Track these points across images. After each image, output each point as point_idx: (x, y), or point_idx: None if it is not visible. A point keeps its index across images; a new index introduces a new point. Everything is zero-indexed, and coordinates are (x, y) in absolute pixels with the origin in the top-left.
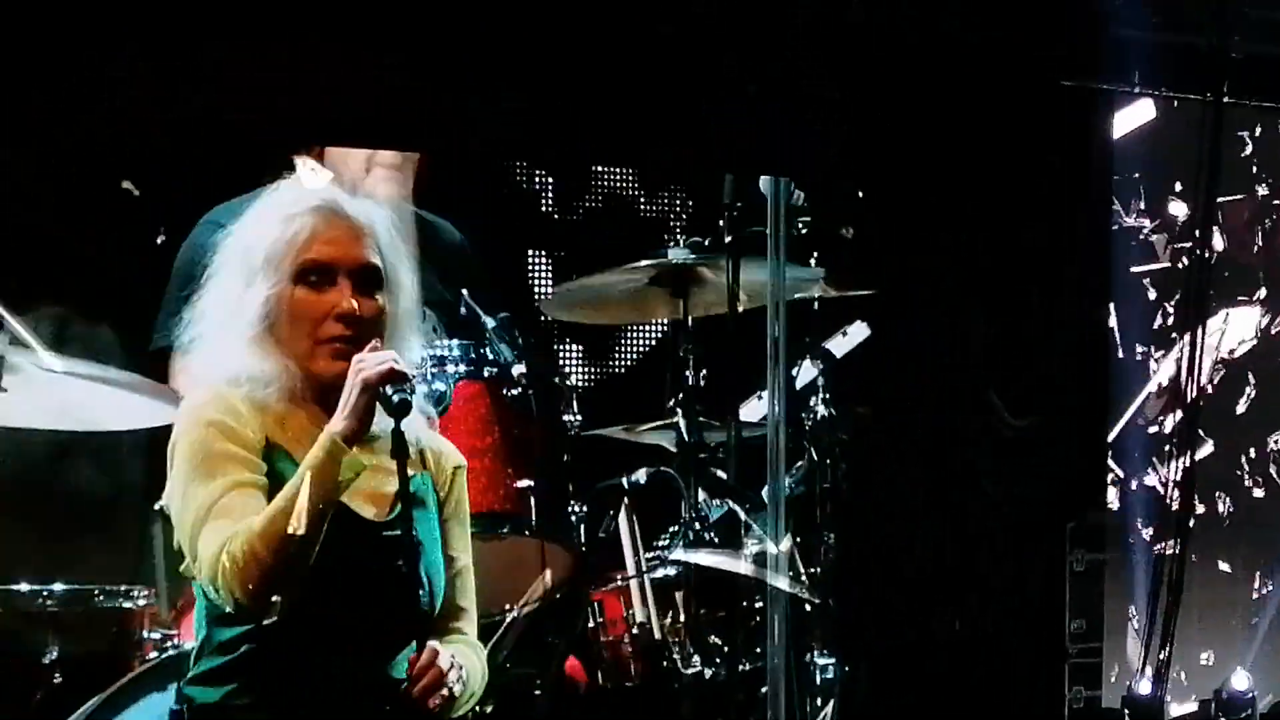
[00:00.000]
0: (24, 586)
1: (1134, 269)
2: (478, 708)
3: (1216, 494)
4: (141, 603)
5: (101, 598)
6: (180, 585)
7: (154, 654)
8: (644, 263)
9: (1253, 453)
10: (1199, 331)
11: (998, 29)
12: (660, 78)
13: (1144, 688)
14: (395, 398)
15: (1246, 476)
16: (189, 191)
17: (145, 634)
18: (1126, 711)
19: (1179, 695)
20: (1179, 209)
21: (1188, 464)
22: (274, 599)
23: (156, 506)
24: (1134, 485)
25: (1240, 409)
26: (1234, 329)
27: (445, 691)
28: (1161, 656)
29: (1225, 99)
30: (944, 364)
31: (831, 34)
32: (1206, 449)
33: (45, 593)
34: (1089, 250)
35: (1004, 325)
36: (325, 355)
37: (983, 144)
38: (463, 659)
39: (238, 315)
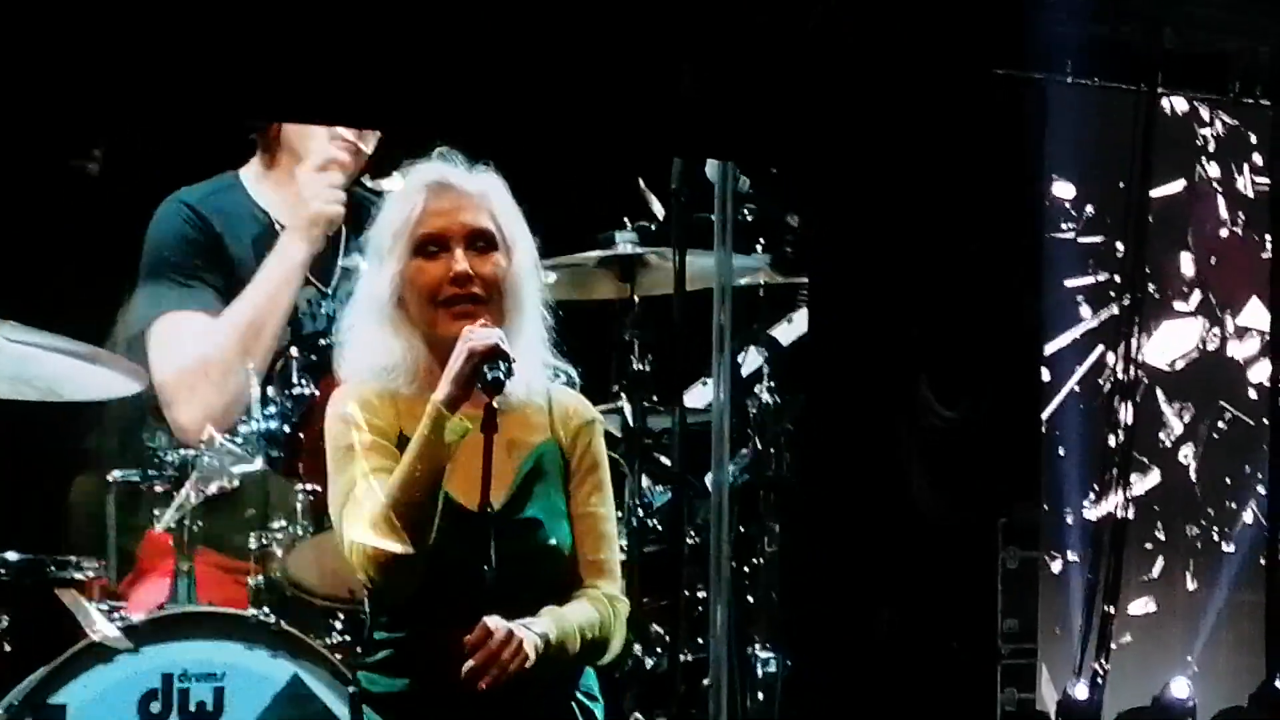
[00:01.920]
0: None
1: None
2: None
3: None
4: (92, 574)
5: (53, 568)
6: (129, 558)
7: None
8: (592, 254)
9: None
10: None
11: (932, 18)
12: (609, 62)
13: (1080, 692)
14: (490, 375)
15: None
16: (152, 168)
17: (95, 605)
18: (1061, 717)
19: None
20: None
21: (1123, 460)
22: (405, 574)
23: (109, 479)
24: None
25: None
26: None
27: (503, 669)
28: (1099, 662)
29: (1159, 90)
30: (879, 355)
31: (785, 34)
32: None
33: None
34: (1021, 240)
35: (936, 316)
36: (446, 318)
37: (918, 133)
38: (550, 620)
39: (374, 299)
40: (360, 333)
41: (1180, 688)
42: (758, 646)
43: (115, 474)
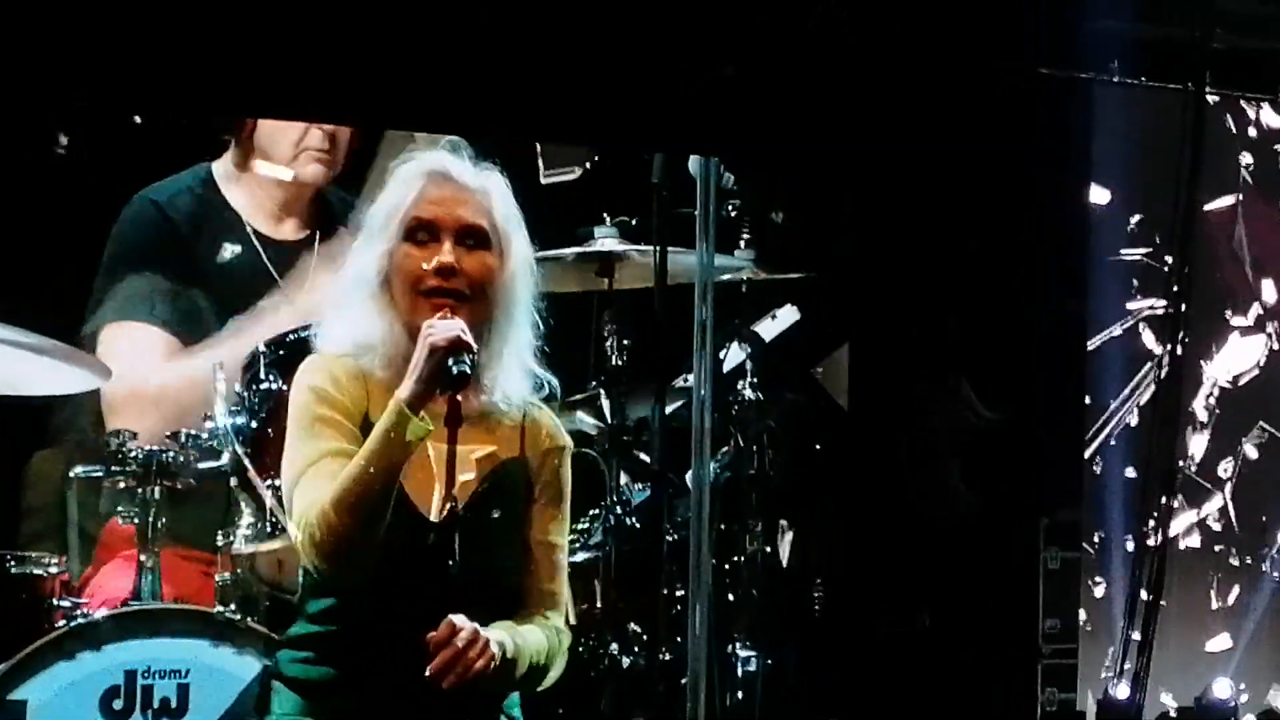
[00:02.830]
0: None
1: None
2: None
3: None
4: (53, 570)
5: (13, 564)
6: (89, 553)
7: (63, 622)
8: (570, 250)
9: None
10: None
11: (977, 17)
12: (598, 58)
13: (1121, 691)
14: (454, 369)
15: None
16: (121, 161)
17: (55, 602)
18: (1102, 717)
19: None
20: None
21: (1169, 465)
22: (350, 567)
23: (70, 474)
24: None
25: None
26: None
27: (467, 668)
28: (1139, 662)
29: (1206, 90)
30: (922, 354)
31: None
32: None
33: None
34: (1066, 240)
35: (978, 316)
36: (426, 307)
37: (959, 132)
38: (509, 634)
39: (360, 277)
40: (344, 308)
41: (1223, 688)
42: (737, 645)
43: (77, 469)
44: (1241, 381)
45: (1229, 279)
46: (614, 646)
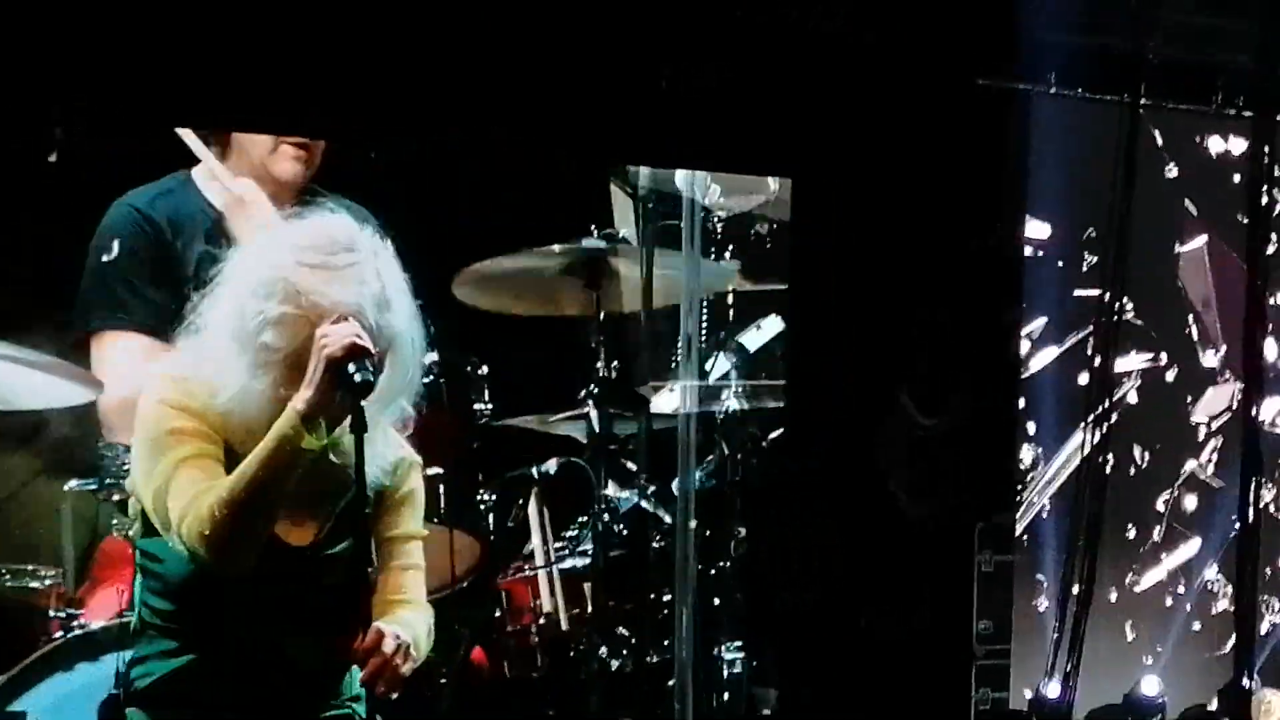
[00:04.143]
0: None
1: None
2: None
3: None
4: (49, 582)
5: (8, 577)
6: (87, 565)
7: (60, 634)
8: (557, 247)
9: None
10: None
11: (915, 27)
12: (583, 66)
13: (1053, 690)
14: (357, 376)
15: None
16: (103, 170)
17: (51, 614)
18: (1034, 715)
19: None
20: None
21: (1100, 462)
22: (236, 561)
23: (65, 488)
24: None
25: None
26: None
27: (395, 672)
28: (1070, 662)
29: (1141, 101)
30: (856, 362)
31: (759, 33)
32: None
33: None
34: (1000, 251)
35: (917, 325)
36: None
37: (898, 141)
38: (408, 628)
39: (242, 343)
40: (209, 354)
41: (1151, 685)
42: (723, 648)
43: (72, 483)
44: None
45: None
46: (603, 649)
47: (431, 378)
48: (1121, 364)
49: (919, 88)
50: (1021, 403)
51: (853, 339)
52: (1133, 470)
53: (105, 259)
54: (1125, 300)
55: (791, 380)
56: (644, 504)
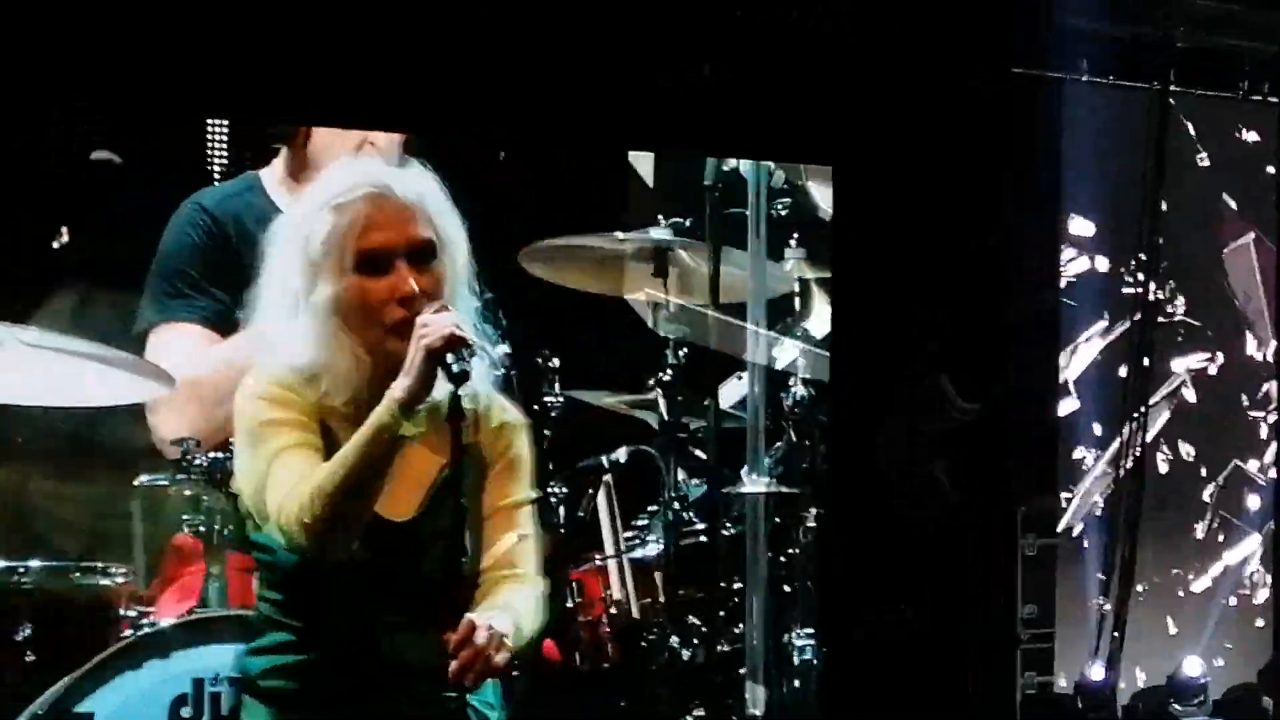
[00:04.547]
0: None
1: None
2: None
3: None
4: (119, 580)
5: (79, 575)
6: (156, 562)
7: (129, 632)
8: (622, 235)
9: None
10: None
11: (949, 19)
12: (639, 64)
13: (1096, 673)
14: (455, 367)
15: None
16: (175, 172)
17: (122, 611)
18: (1078, 697)
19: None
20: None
21: (1139, 449)
22: (336, 547)
23: (136, 483)
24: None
25: None
26: None
27: (488, 664)
28: (1114, 643)
29: (1172, 88)
30: (900, 349)
31: (798, 35)
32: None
33: (21, 569)
34: (1039, 237)
35: (956, 310)
36: (395, 340)
37: (937, 132)
38: (507, 613)
39: (304, 309)
40: (286, 335)
41: (1193, 666)
42: (794, 635)
43: (142, 478)
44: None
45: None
46: (674, 639)
47: (503, 370)
48: (1178, 363)
49: (955, 78)
50: (1076, 401)
51: (894, 325)
52: (1190, 468)
53: (168, 254)
54: (1178, 300)
55: (835, 367)
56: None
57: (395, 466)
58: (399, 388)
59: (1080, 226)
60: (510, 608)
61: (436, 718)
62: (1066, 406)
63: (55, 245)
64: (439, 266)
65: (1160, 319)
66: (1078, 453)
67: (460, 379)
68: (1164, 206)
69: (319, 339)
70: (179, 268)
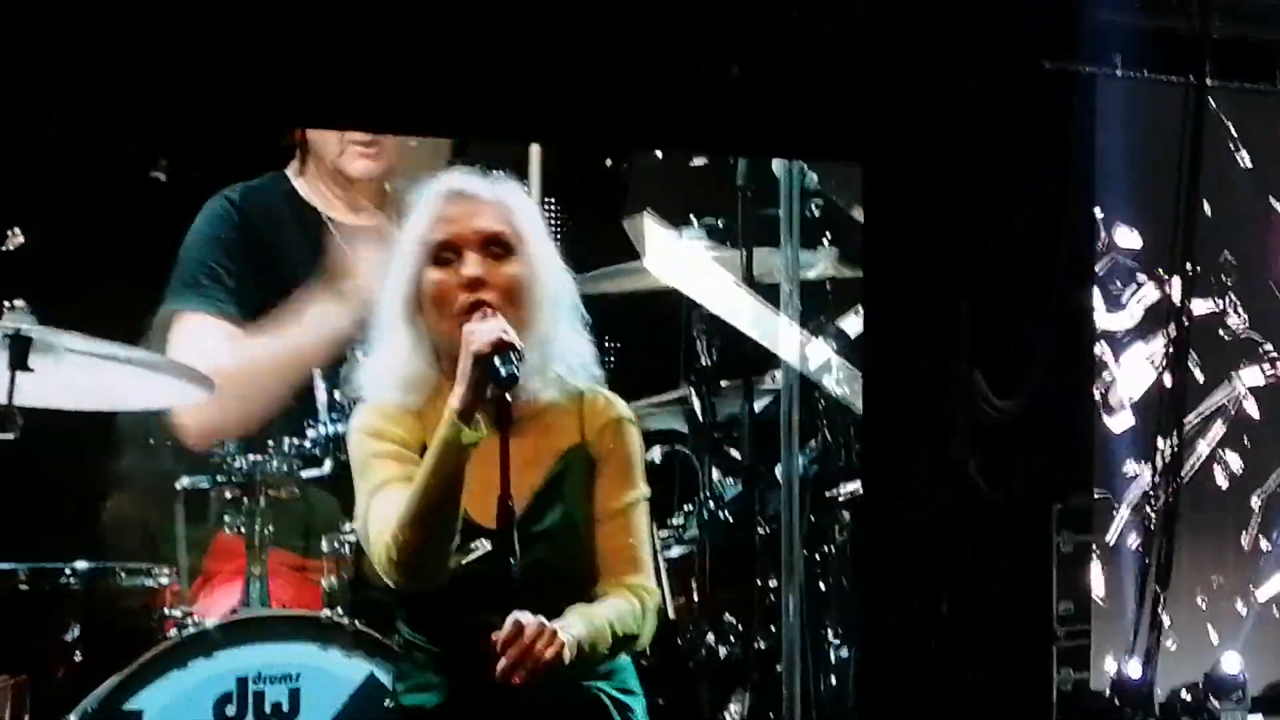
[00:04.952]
0: (47, 565)
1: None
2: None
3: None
4: (164, 581)
5: (124, 576)
6: (199, 563)
7: (174, 631)
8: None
9: None
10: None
11: (981, 12)
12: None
13: (1133, 670)
14: (502, 370)
15: None
16: (210, 181)
17: (166, 612)
18: (1115, 695)
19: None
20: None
21: (1175, 446)
22: (423, 578)
23: (178, 485)
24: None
25: None
26: None
27: (536, 662)
28: (1150, 640)
29: (1207, 81)
30: (934, 347)
31: (827, 28)
32: None
33: (68, 571)
34: (1071, 232)
35: (989, 307)
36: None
37: (967, 128)
38: (576, 615)
39: (391, 308)
40: (381, 347)
41: (1231, 662)
42: (829, 633)
43: (184, 480)
44: None
45: None
46: (710, 637)
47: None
48: (1246, 378)
49: (984, 74)
50: (1132, 418)
51: (927, 322)
52: (1250, 482)
53: (194, 246)
54: (1239, 312)
55: (869, 366)
56: None
57: (482, 475)
58: (454, 396)
59: (1127, 238)
60: (591, 615)
61: (574, 707)
62: (1122, 423)
63: (94, 253)
64: (514, 265)
65: (1224, 334)
66: (1129, 468)
67: (508, 382)
68: (1208, 212)
69: (405, 345)
70: (204, 259)
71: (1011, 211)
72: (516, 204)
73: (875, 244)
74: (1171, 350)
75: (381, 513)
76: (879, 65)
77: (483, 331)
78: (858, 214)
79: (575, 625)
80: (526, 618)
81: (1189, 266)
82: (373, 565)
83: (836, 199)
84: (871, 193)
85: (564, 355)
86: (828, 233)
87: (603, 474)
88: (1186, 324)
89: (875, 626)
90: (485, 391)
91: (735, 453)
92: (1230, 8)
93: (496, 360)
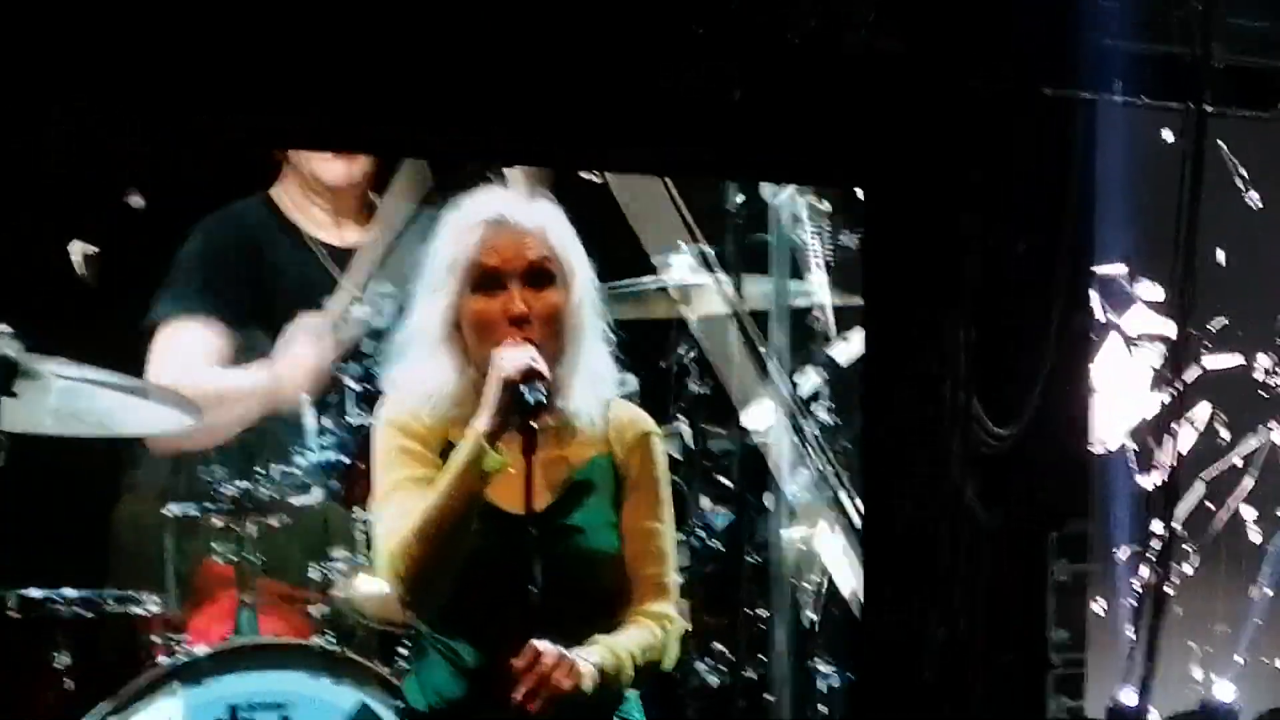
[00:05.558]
0: (35, 592)
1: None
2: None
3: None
4: (153, 608)
5: (113, 603)
6: (187, 590)
7: (164, 659)
8: (648, 279)
9: None
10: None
11: (980, 37)
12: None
13: (1128, 698)
14: (530, 397)
15: None
16: (196, 204)
17: (155, 638)
18: None
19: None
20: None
21: (1172, 466)
22: (430, 594)
23: (167, 514)
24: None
25: None
26: None
27: (555, 690)
28: (1146, 669)
29: (1207, 108)
30: (930, 374)
31: (825, 52)
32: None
33: (57, 598)
34: (1069, 257)
35: (986, 334)
36: None
37: (966, 151)
38: (599, 645)
39: (425, 329)
40: (411, 361)
41: (1225, 691)
42: (818, 662)
43: (172, 507)
44: None
45: None
46: (700, 665)
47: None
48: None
49: (984, 99)
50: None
51: (927, 346)
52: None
53: (182, 260)
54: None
55: (867, 391)
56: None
57: (510, 487)
58: (480, 420)
59: (1150, 291)
60: (613, 645)
61: None
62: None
63: (80, 279)
64: (556, 293)
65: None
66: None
67: (535, 411)
68: (1221, 260)
69: (433, 358)
70: (186, 268)
71: (1011, 237)
72: (556, 229)
73: (875, 269)
74: (1175, 385)
75: (394, 511)
76: (880, 91)
77: (512, 358)
78: (846, 239)
79: (595, 654)
80: (545, 646)
81: (1185, 284)
82: (368, 585)
83: (827, 225)
84: (873, 218)
85: (592, 376)
86: (818, 259)
87: (629, 490)
88: (1186, 335)
89: (869, 653)
90: (510, 418)
91: (725, 481)
92: (1233, 35)
93: (524, 388)
